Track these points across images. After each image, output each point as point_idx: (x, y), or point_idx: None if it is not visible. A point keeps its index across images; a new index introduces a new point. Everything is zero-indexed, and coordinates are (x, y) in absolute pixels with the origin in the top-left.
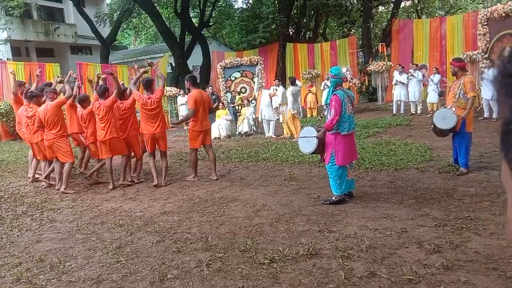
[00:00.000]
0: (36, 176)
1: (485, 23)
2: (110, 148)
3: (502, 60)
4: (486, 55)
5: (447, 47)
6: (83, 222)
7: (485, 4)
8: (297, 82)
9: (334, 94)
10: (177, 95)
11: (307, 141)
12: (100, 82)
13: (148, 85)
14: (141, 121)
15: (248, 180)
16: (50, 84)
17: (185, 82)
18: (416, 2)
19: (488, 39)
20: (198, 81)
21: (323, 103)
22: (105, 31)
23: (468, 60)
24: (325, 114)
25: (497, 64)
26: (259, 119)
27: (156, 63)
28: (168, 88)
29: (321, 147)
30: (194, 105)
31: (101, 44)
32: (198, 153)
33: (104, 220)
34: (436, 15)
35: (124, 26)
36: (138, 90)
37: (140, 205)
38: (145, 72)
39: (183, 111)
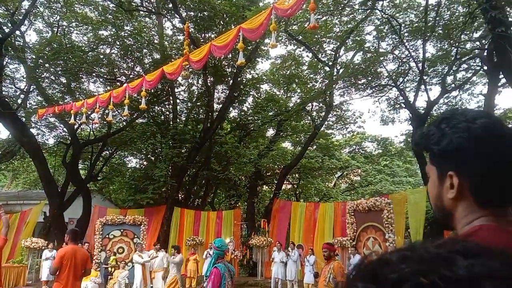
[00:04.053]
0: None
1: (352, 213)
2: None
3: (348, 275)
4: (354, 242)
5: (318, 230)
6: None
7: (352, 197)
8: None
9: (215, 267)
10: (43, 248)
11: None
12: None
13: None
14: None
15: None
16: None
17: (66, 235)
18: (296, 186)
19: (355, 228)
20: (80, 237)
21: (203, 273)
22: None
23: (339, 245)
24: (204, 286)
25: (344, 279)
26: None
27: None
28: (34, 239)
29: None
30: (58, 262)
31: None
32: None
33: None
34: (312, 200)
35: (2, 167)
36: None
37: None
38: None
39: (46, 267)
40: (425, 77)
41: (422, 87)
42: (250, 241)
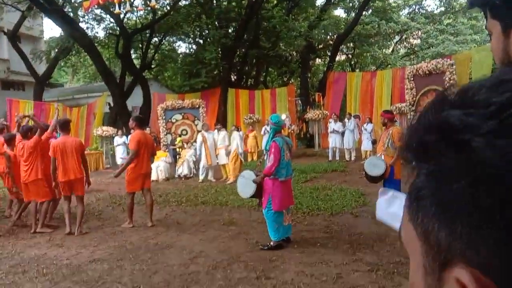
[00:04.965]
0: None
1: (412, 78)
2: (33, 190)
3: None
4: (413, 108)
5: (376, 99)
6: (1, 271)
7: (412, 62)
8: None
9: (274, 141)
10: (114, 135)
11: (245, 185)
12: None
13: (65, 125)
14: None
15: (186, 225)
16: None
17: (130, 122)
18: (350, 57)
19: (414, 93)
20: (145, 123)
21: (263, 148)
22: (40, 68)
23: (397, 111)
24: (265, 159)
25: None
26: (211, 164)
27: None
28: (104, 128)
29: (259, 192)
30: (136, 146)
31: (36, 81)
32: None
33: (26, 269)
34: (368, 69)
35: (62, 64)
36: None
37: (67, 252)
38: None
39: (119, 153)
40: None
41: None
42: (305, 115)
